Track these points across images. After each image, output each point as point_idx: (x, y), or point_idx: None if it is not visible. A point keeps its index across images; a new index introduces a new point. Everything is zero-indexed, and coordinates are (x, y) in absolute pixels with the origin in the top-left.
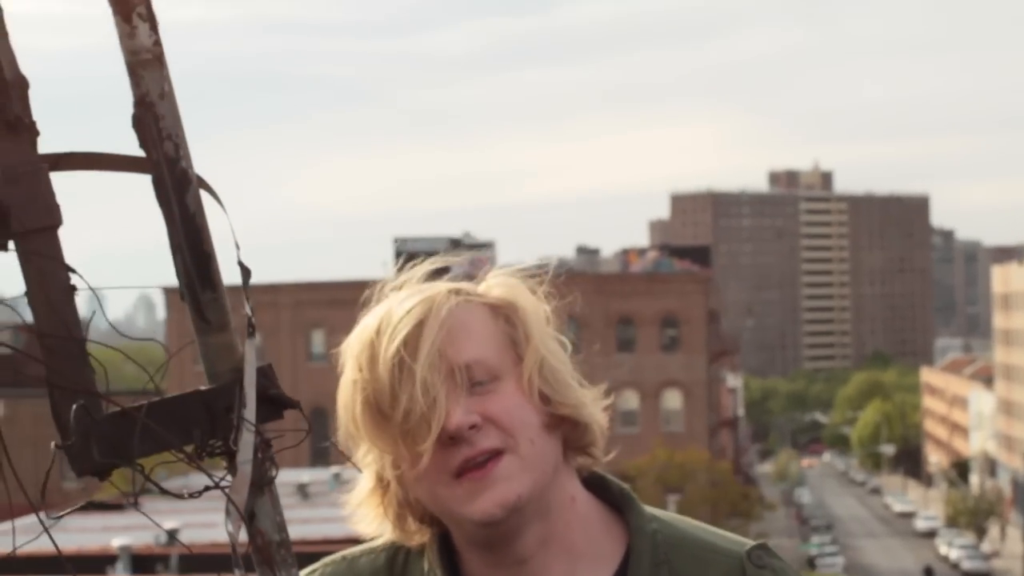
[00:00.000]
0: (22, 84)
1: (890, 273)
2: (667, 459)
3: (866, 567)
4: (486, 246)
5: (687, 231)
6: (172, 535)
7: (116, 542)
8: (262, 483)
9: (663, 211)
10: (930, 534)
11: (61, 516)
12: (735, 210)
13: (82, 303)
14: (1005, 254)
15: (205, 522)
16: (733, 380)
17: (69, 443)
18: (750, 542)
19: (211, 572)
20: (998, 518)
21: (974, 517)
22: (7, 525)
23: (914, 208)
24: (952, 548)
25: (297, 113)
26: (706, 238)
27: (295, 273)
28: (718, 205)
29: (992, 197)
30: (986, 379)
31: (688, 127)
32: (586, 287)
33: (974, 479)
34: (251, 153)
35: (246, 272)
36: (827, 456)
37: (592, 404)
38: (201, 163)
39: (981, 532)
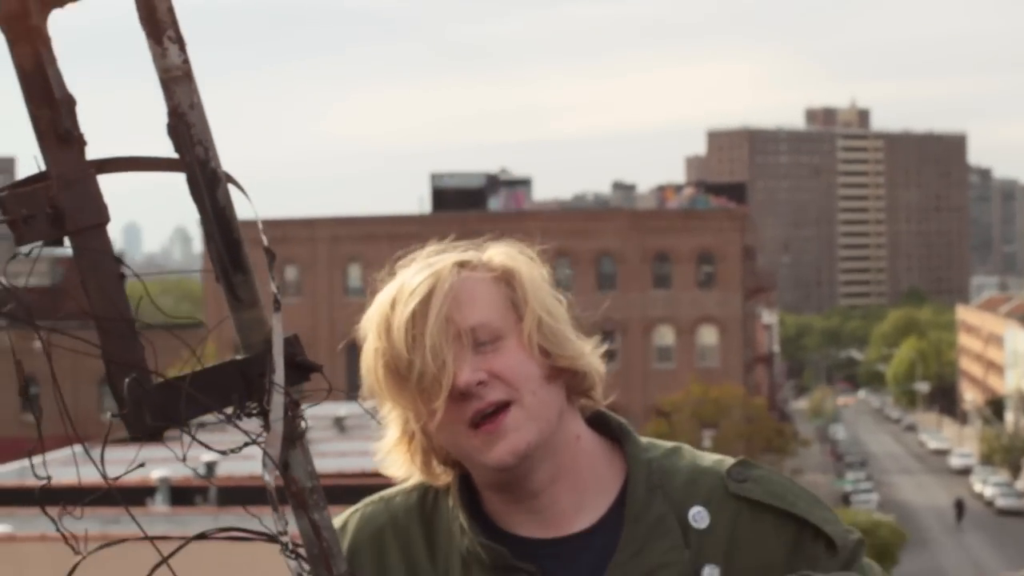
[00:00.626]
0: (70, 102)
1: (926, 211)
2: (702, 395)
3: (900, 504)
4: (523, 182)
5: (723, 168)
6: (210, 468)
7: (155, 474)
8: (293, 437)
9: (699, 148)
10: (965, 471)
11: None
12: (772, 147)
13: (119, 238)
14: None
15: (243, 455)
16: (769, 317)
17: (124, 412)
18: (733, 458)
19: (248, 504)
20: None
21: (1009, 455)
22: (48, 456)
23: (951, 146)
24: (986, 486)
25: (337, 47)
26: (742, 175)
27: (332, 207)
28: (755, 142)
29: None
30: (1021, 317)
31: (726, 64)
32: (622, 223)
33: (1009, 417)
34: (291, 86)
35: (271, 255)
36: (862, 393)
37: (589, 354)
38: (242, 96)
39: (1016, 470)
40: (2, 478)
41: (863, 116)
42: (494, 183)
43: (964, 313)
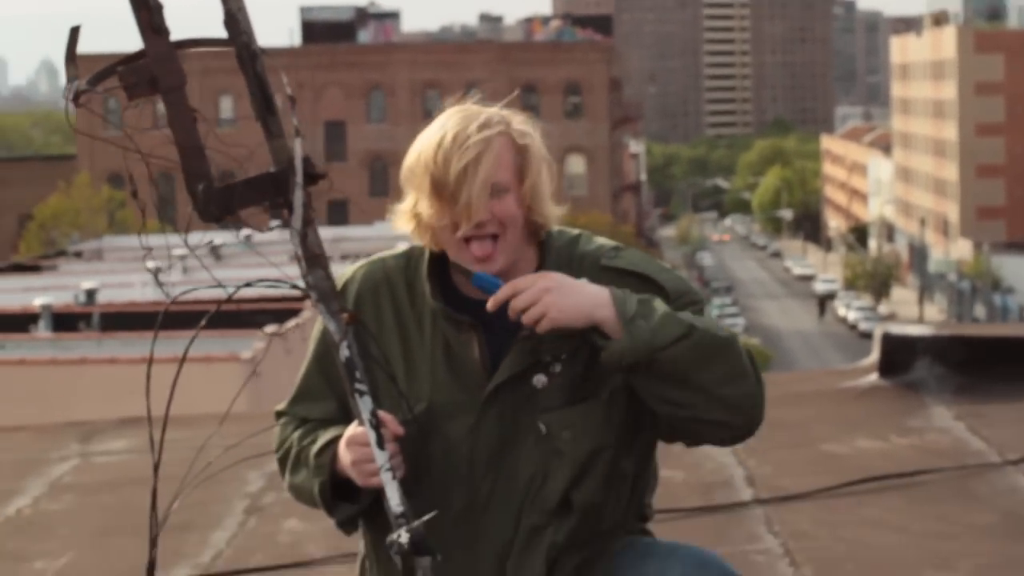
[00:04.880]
0: (159, 5)
1: (791, 42)
2: (570, 222)
3: (766, 328)
4: (391, 15)
5: (590, 0)
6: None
7: (37, 301)
8: (308, 220)
9: None
10: (829, 296)
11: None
12: None
13: None
14: (905, 24)
15: (122, 282)
16: (636, 146)
17: (200, 207)
18: (611, 244)
19: (129, 329)
20: (896, 281)
21: (871, 280)
22: None
23: None
24: (850, 310)
25: None
26: (608, 7)
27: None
28: None
29: None
30: (885, 147)
31: None
32: (489, 55)
33: (872, 244)
34: None
35: (293, 101)
36: (728, 221)
37: (556, 216)
38: None
39: (878, 295)
40: None
41: None
42: (363, 15)
43: (828, 142)
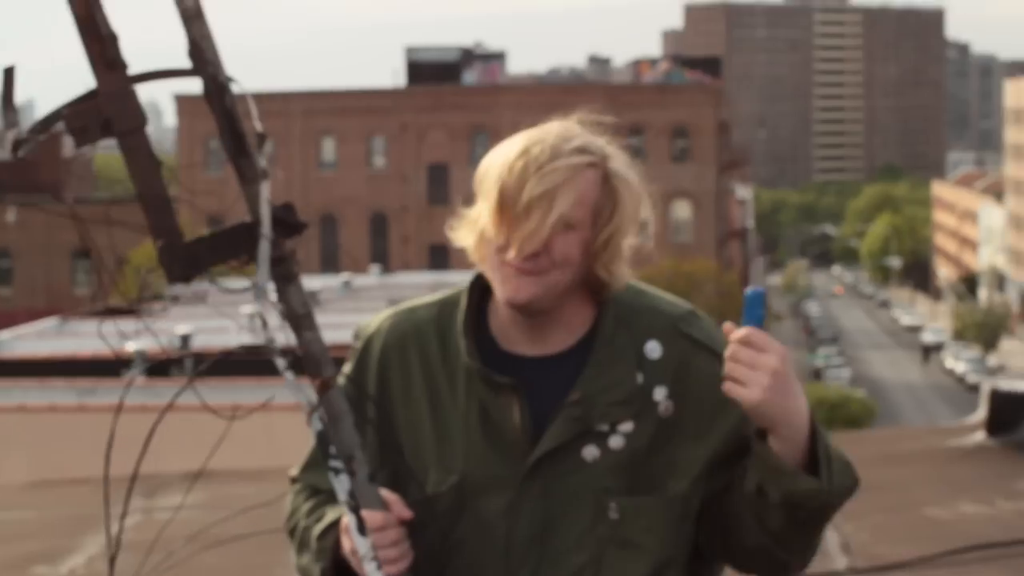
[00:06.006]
0: (113, 37)
1: (904, 86)
2: (675, 269)
3: (872, 379)
4: (497, 56)
5: (700, 42)
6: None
7: (131, 346)
8: (289, 276)
9: (676, 21)
10: (936, 347)
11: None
12: (749, 20)
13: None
14: (1020, 68)
15: (216, 327)
16: (743, 191)
17: (164, 265)
18: (687, 307)
19: (222, 375)
20: (1006, 331)
21: (981, 331)
22: (30, 328)
23: (929, 20)
24: (958, 361)
25: None
26: (719, 49)
27: (306, 81)
28: (732, 16)
29: (1008, 10)
30: (997, 194)
31: None
32: (597, 97)
33: (982, 293)
34: None
35: (262, 138)
36: (836, 269)
37: (623, 276)
38: None
39: (987, 346)
40: None
41: None
42: (469, 56)
43: (939, 189)
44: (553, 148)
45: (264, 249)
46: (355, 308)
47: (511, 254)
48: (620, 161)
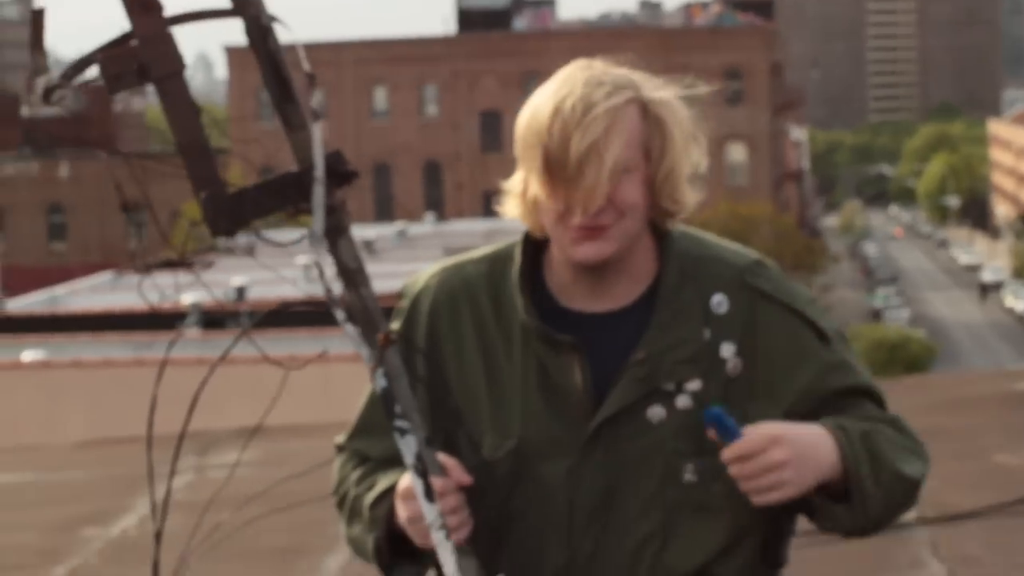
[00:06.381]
0: None
1: (958, 24)
2: (731, 212)
3: (932, 319)
4: (548, 2)
5: None
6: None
7: (187, 299)
8: (340, 229)
9: None
10: (996, 286)
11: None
12: None
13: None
14: None
15: (273, 279)
16: (798, 133)
17: (207, 218)
18: (753, 256)
19: (278, 326)
20: None
21: None
22: (85, 283)
23: None
24: (1018, 300)
25: None
26: None
27: (357, 30)
28: None
29: None
30: None
31: None
32: (648, 41)
33: None
34: None
35: (312, 79)
36: (893, 209)
37: (691, 203)
38: None
39: None
40: (33, 306)
41: None
42: (519, 3)
43: (996, 127)
44: (584, 98)
45: (319, 194)
46: (411, 256)
47: (576, 217)
48: (655, 87)
